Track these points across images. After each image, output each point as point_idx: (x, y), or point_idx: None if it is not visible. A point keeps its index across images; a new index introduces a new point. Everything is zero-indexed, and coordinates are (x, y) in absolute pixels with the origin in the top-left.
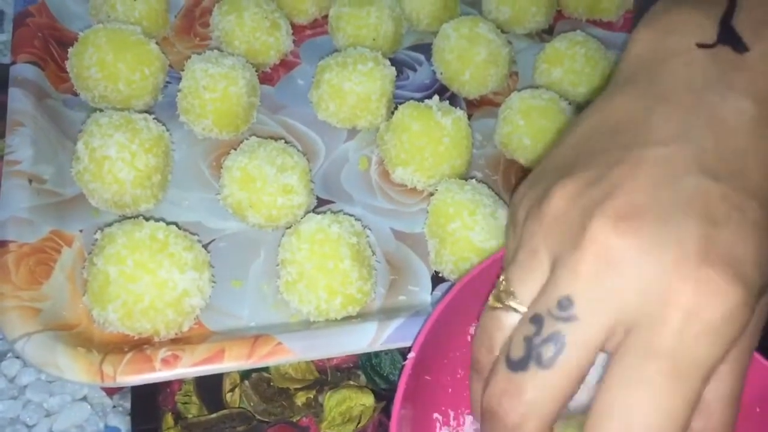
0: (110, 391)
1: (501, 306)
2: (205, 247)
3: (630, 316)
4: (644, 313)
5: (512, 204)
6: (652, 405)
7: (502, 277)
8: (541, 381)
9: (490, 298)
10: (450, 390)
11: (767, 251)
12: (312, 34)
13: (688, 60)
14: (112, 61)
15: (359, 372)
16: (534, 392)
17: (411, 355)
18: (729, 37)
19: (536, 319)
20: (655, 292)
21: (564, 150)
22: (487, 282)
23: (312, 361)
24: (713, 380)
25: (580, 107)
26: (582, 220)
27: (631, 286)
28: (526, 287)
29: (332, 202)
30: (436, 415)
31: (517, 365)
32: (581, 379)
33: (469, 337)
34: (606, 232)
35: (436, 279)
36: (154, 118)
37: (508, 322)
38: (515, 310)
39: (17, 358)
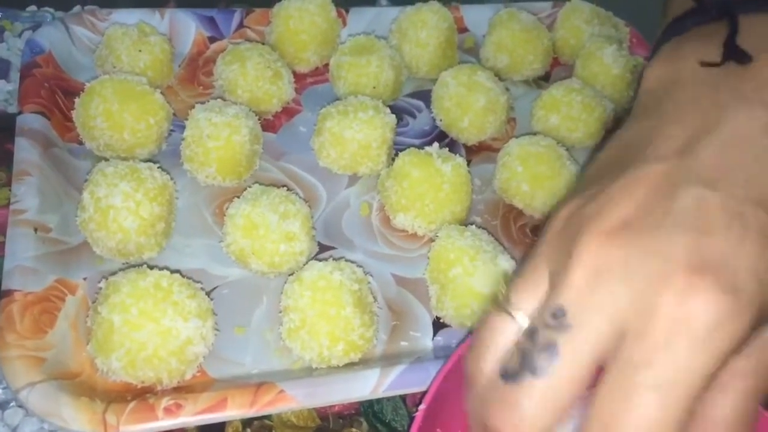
0: None
1: (497, 313)
2: (208, 294)
3: (621, 326)
4: (633, 323)
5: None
6: (637, 418)
7: (501, 288)
8: (535, 391)
9: (489, 307)
10: None
11: None
12: (313, 82)
13: (695, 80)
14: (117, 111)
15: (361, 419)
16: (528, 403)
17: (422, 406)
18: (733, 53)
19: (531, 331)
20: (643, 302)
21: (582, 182)
22: None
23: (314, 408)
24: (717, 397)
25: (576, 153)
26: (575, 235)
27: (620, 297)
28: (522, 297)
29: (334, 248)
30: None
31: (512, 377)
32: (577, 391)
33: None
34: (595, 246)
35: (438, 324)
36: (158, 167)
37: (503, 331)
38: (511, 316)
39: (20, 407)
